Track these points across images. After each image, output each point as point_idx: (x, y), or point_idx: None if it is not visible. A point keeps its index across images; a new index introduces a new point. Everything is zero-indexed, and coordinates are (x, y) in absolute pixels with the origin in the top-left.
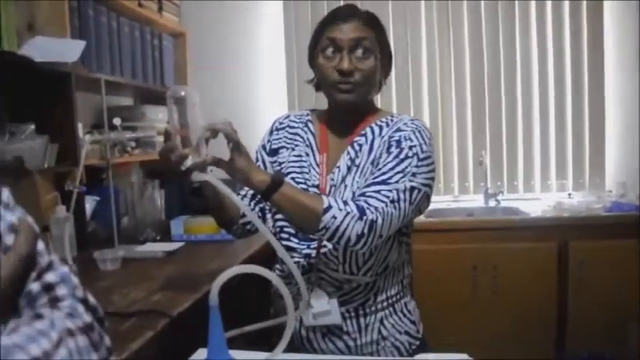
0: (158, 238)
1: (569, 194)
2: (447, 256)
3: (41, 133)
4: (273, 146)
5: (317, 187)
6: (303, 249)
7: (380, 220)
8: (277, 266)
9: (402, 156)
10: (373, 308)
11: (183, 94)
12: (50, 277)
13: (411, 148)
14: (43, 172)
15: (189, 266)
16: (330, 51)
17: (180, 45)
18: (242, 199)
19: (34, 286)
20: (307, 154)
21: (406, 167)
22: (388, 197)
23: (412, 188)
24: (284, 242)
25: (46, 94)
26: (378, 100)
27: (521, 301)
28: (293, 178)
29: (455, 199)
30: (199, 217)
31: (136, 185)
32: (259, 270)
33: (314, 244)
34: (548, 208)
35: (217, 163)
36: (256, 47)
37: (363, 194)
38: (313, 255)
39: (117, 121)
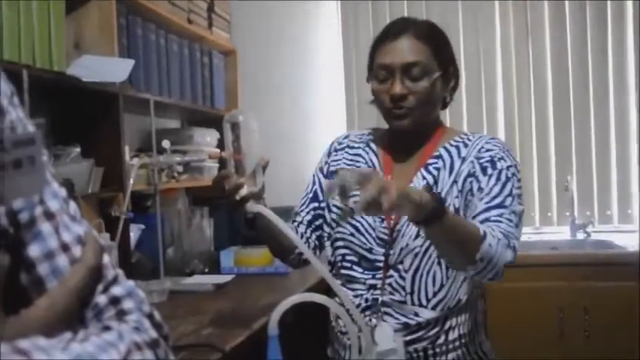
0: (206, 270)
1: None
2: (528, 294)
3: (86, 156)
4: (332, 168)
5: None
6: (368, 279)
7: (517, 245)
8: (337, 299)
9: (503, 178)
10: (444, 348)
11: (240, 119)
12: (117, 290)
13: (508, 168)
14: (86, 198)
15: (241, 300)
16: (382, 75)
17: (230, 63)
18: (298, 225)
19: (101, 299)
20: None
21: (512, 190)
22: (512, 221)
23: (522, 211)
24: (346, 272)
25: (91, 115)
26: (447, 119)
27: (618, 350)
28: (355, 202)
29: (536, 231)
30: (251, 248)
31: (183, 213)
32: (325, 300)
33: (379, 274)
34: None
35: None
36: (312, 63)
37: (488, 219)
38: (378, 286)
39: (166, 144)
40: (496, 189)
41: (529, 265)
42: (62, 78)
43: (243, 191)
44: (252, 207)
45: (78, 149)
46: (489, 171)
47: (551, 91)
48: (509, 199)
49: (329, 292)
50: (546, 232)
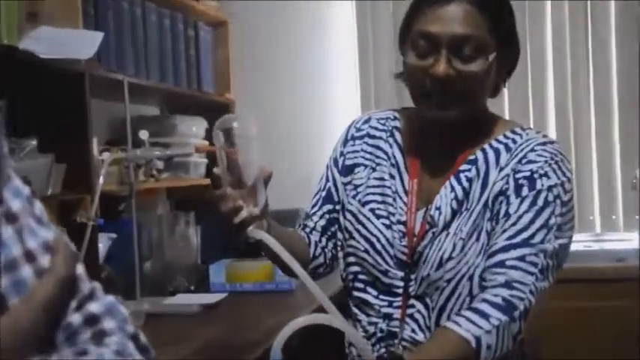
0: (192, 288)
1: None
2: (591, 317)
3: (44, 150)
4: (348, 162)
5: (403, 224)
6: (383, 306)
7: (531, 301)
8: (350, 321)
9: (539, 202)
10: None
11: (235, 125)
12: (94, 307)
13: (550, 189)
14: (45, 200)
15: (235, 324)
16: (422, 46)
17: (221, 37)
18: (310, 232)
19: (75, 318)
20: (392, 177)
21: (549, 218)
22: (536, 265)
23: (560, 247)
24: (358, 294)
25: (51, 100)
26: None
27: None
28: (372, 210)
29: (596, 238)
30: (246, 261)
31: (164, 219)
32: (336, 323)
33: (397, 302)
34: None
35: None
36: (320, 36)
37: (502, 263)
38: (395, 316)
39: (143, 134)
40: (526, 218)
41: (589, 280)
42: (13, 53)
43: (243, 214)
44: (254, 233)
45: (34, 142)
46: (524, 192)
47: (615, 68)
48: (542, 233)
49: (344, 312)
50: (610, 240)
